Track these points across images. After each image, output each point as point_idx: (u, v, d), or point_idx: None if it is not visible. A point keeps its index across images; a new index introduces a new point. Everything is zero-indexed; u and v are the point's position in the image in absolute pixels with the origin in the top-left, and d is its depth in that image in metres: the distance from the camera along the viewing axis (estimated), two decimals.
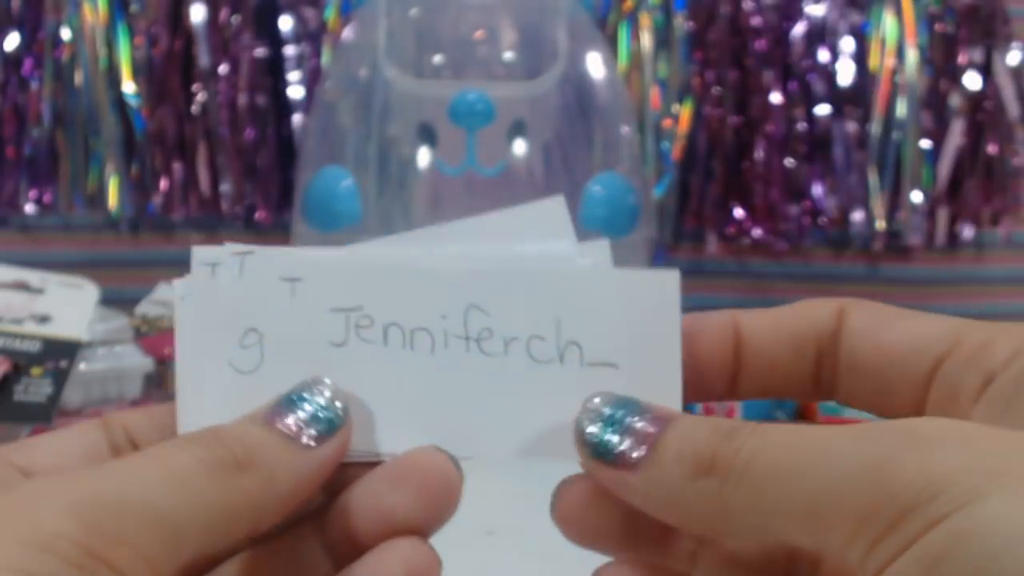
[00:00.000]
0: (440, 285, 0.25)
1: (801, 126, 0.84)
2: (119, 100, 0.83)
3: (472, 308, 0.25)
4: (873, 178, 0.84)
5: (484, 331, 0.25)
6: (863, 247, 0.88)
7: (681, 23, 0.83)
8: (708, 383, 0.24)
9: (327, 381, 0.24)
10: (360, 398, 0.25)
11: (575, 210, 0.63)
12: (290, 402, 0.23)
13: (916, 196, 0.84)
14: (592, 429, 0.23)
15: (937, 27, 0.83)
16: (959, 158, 0.84)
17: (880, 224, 0.84)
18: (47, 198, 0.86)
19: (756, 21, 0.83)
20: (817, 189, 0.85)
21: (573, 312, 0.25)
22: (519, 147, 0.63)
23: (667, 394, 0.24)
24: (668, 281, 0.25)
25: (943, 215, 0.86)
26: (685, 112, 0.84)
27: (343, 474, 0.24)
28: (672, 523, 0.22)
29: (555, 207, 0.26)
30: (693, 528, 0.22)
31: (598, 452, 0.22)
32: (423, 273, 0.25)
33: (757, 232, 0.86)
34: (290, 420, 0.23)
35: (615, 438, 0.22)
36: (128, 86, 0.83)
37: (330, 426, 0.23)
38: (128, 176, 0.85)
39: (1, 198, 0.85)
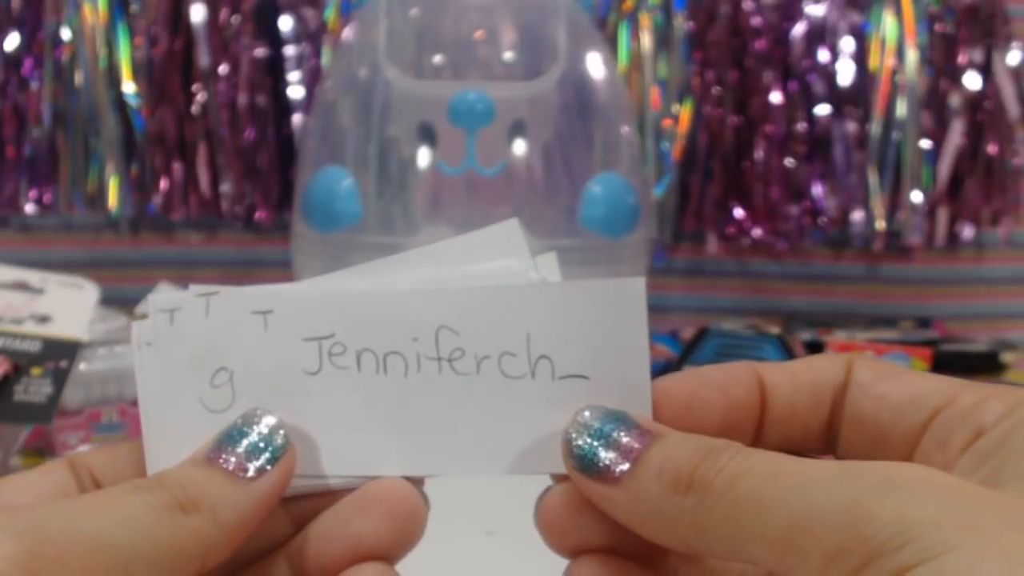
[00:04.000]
0: (409, 308, 0.25)
1: (801, 126, 0.84)
2: (119, 100, 0.83)
3: (442, 329, 0.25)
4: (873, 178, 0.84)
5: (456, 351, 0.25)
6: (863, 247, 0.88)
7: (681, 23, 0.83)
8: (737, 432, 0.24)
9: (267, 413, 0.24)
10: (336, 425, 0.25)
11: (575, 210, 0.64)
12: (230, 437, 0.24)
13: (916, 196, 0.84)
14: (579, 442, 0.23)
15: (937, 27, 0.83)
16: (959, 158, 0.84)
17: (880, 224, 0.84)
18: (47, 198, 0.86)
19: (756, 21, 0.83)
20: (817, 189, 0.85)
21: (542, 326, 0.25)
22: (519, 147, 0.63)
23: (637, 402, 0.24)
24: (634, 289, 0.25)
25: (943, 215, 0.86)
26: (685, 112, 0.84)
27: (312, 505, 0.25)
28: (650, 538, 0.22)
29: (510, 229, 0.26)
30: (669, 543, 0.22)
31: (584, 465, 0.23)
32: (392, 297, 0.25)
33: (757, 232, 0.86)
34: (230, 455, 0.23)
35: (601, 452, 0.23)
36: (128, 86, 0.83)
37: (272, 456, 0.24)
38: (128, 176, 0.85)
39: (1, 198, 0.85)
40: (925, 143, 0.83)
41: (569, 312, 0.25)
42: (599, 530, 0.23)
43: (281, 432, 0.24)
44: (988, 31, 0.84)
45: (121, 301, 0.73)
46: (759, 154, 0.84)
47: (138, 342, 0.25)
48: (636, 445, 0.22)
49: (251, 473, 0.23)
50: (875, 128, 0.83)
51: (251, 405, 0.25)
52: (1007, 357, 0.76)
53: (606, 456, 0.23)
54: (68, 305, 0.60)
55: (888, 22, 0.83)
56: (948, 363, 0.74)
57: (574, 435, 0.23)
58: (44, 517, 0.21)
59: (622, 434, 0.23)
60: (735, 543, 0.20)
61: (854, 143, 0.84)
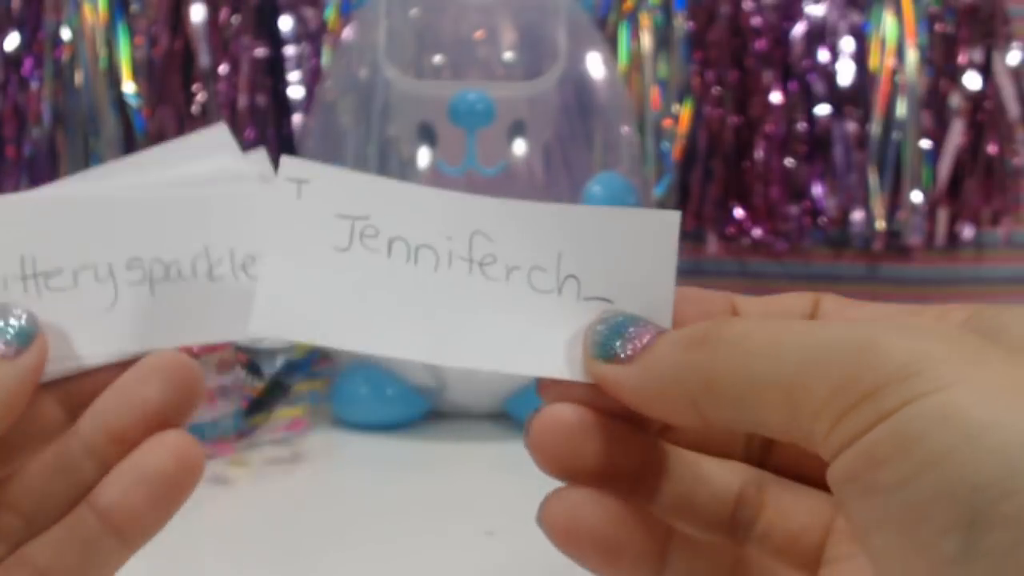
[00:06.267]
0: (448, 208, 0.26)
1: (801, 126, 0.84)
2: (119, 100, 0.83)
3: (477, 233, 0.26)
4: (873, 178, 0.84)
5: (488, 256, 0.26)
6: (863, 247, 0.88)
7: (681, 23, 0.83)
8: None
9: (14, 305, 0.26)
10: (360, 303, 0.25)
11: None
12: None
13: (916, 196, 0.84)
14: (602, 330, 0.24)
15: (937, 27, 0.83)
16: (959, 158, 0.84)
17: (880, 224, 0.84)
18: None
19: (756, 21, 0.83)
20: (817, 189, 0.85)
21: (575, 246, 0.26)
22: (519, 147, 0.63)
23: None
24: (669, 222, 0.25)
25: (943, 215, 0.86)
26: (685, 112, 0.84)
27: (78, 388, 0.27)
28: (656, 411, 0.23)
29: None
30: (677, 411, 0.23)
31: (602, 352, 0.24)
32: (432, 195, 0.26)
33: (757, 232, 0.86)
34: None
35: (616, 342, 0.24)
36: (128, 86, 0.83)
37: (26, 339, 0.25)
38: None
39: None
40: (925, 143, 0.83)
41: (602, 237, 0.25)
42: (591, 450, 0.24)
43: (31, 316, 0.26)
44: (988, 31, 0.84)
45: None
46: (759, 154, 0.84)
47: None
48: (653, 334, 0.24)
49: (11, 353, 0.25)
50: (875, 128, 0.83)
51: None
52: None
53: (624, 345, 0.24)
54: None
55: (888, 22, 0.83)
56: None
57: (599, 327, 0.24)
58: None
59: (641, 328, 0.24)
60: (745, 394, 0.20)
61: (854, 143, 0.84)
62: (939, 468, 0.17)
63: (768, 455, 0.26)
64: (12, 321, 0.26)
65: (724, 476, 0.25)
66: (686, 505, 0.25)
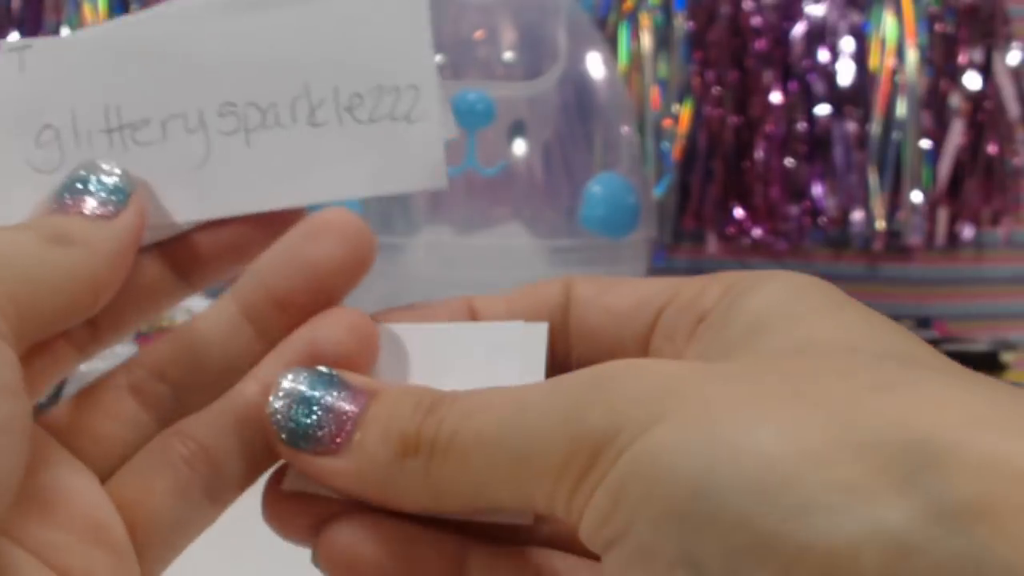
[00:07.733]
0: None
1: (801, 126, 0.84)
2: None
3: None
4: (873, 178, 0.84)
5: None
6: (863, 247, 0.88)
7: (681, 23, 0.83)
8: None
9: (102, 160, 0.23)
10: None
11: (575, 210, 0.64)
12: (72, 186, 0.23)
13: (916, 196, 0.84)
14: (287, 412, 0.21)
15: (937, 27, 0.83)
16: (959, 158, 0.84)
17: (880, 224, 0.84)
18: None
19: (756, 21, 0.83)
20: (817, 189, 0.85)
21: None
22: (519, 147, 0.63)
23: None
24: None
25: (943, 215, 0.86)
26: (685, 112, 0.84)
27: (185, 250, 0.24)
28: (384, 505, 0.21)
29: None
30: (407, 509, 0.21)
31: (296, 437, 0.21)
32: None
33: (757, 232, 0.86)
34: (80, 201, 0.22)
35: (314, 419, 0.21)
36: None
37: (122, 196, 0.22)
38: None
39: None
40: (925, 143, 0.83)
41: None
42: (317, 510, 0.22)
43: (124, 173, 0.23)
44: (988, 31, 0.84)
45: None
46: (759, 154, 0.84)
47: None
48: (352, 408, 0.21)
49: (110, 211, 0.22)
50: (875, 128, 0.83)
51: (81, 159, 0.23)
52: (1007, 357, 0.76)
53: (320, 425, 0.21)
54: None
55: (888, 22, 0.83)
56: None
57: (279, 405, 0.21)
58: None
59: (335, 397, 0.21)
60: (471, 491, 0.20)
61: (854, 143, 0.84)
62: (646, 510, 0.17)
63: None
64: (104, 178, 0.22)
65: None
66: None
